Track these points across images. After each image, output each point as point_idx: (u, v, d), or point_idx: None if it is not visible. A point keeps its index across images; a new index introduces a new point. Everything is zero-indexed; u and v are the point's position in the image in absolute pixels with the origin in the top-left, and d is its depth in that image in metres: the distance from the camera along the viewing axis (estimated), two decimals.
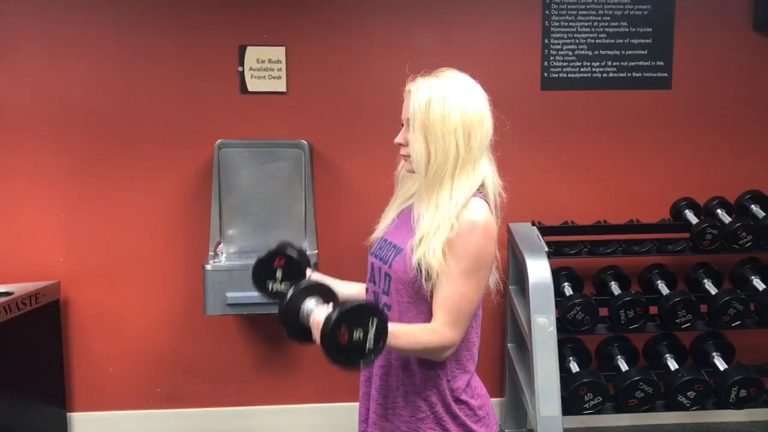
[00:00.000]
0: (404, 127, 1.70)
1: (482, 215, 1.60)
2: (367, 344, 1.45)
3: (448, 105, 1.61)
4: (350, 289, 1.86)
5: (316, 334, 1.49)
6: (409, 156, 1.67)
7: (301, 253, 1.85)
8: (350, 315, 1.44)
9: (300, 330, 1.58)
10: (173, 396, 3.59)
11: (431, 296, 1.62)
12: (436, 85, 1.64)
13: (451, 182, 1.62)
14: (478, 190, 1.65)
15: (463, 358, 1.70)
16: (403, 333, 1.57)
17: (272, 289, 1.81)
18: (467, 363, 1.71)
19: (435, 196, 1.62)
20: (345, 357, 1.45)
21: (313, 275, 1.84)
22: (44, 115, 3.41)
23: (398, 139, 1.71)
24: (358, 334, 1.44)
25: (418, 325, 1.62)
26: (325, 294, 1.62)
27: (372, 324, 1.45)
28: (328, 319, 1.43)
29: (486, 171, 1.67)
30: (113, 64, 3.42)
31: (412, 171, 1.69)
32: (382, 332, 1.47)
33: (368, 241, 1.84)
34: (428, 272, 1.59)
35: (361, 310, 1.46)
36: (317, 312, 1.52)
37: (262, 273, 1.81)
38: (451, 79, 1.66)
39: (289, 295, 1.58)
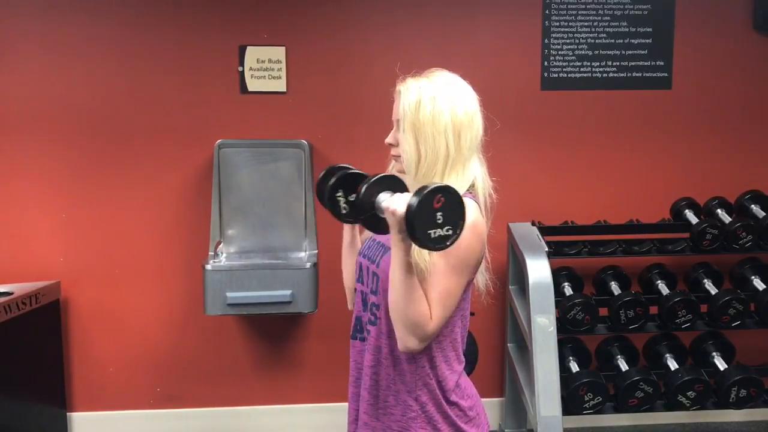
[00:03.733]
0: (395, 127, 1.69)
1: (470, 214, 1.60)
2: (445, 229, 1.42)
3: (438, 105, 1.61)
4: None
5: (399, 206, 1.45)
6: (399, 156, 1.67)
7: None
8: (454, 199, 1.43)
9: (375, 218, 1.56)
10: (173, 396, 3.59)
11: None
12: (425, 85, 1.64)
13: (440, 181, 1.61)
14: (468, 190, 1.64)
15: (451, 358, 1.69)
16: (416, 283, 1.54)
17: (337, 197, 1.75)
18: (454, 363, 1.70)
19: None
20: (423, 220, 1.41)
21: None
22: (44, 115, 3.41)
23: (389, 140, 1.71)
24: (444, 216, 1.42)
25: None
26: (401, 188, 1.57)
27: (459, 226, 1.44)
28: (434, 184, 1.42)
29: (476, 171, 1.67)
30: (113, 64, 3.42)
31: (402, 171, 1.69)
32: (451, 237, 1.44)
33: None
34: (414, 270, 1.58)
35: (461, 207, 1.44)
36: (399, 195, 1.50)
37: (347, 182, 1.73)
38: (441, 79, 1.66)
39: (363, 189, 1.54)
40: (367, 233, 1.80)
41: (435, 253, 1.56)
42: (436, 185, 1.42)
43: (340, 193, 1.75)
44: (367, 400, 1.71)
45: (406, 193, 1.50)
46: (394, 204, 1.46)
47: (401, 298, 1.53)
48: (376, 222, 1.58)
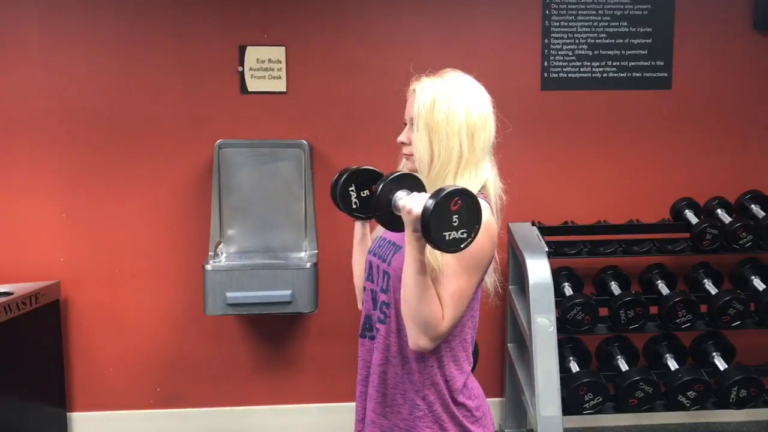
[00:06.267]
0: (407, 126, 1.70)
1: (483, 215, 1.60)
2: (461, 231, 1.42)
3: (453, 106, 1.62)
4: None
5: (414, 204, 1.45)
6: (412, 155, 1.68)
7: None
8: (471, 201, 1.43)
9: (392, 216, 1.56)
10: (173, 396, 3.59)
11: None
12: (441, 85, 1.65)
13: (453, 182, 1.62)
14: (479, 191, 1.65)
15: (460, 359, 1.70)
16: (429, 283, 1.53)
17: (350, 191, 1.77)
18: (463, 363, 1.71)
19: None
20: (439, 222, 1.41)
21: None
22: (44, 115, 3.41)
23: (401, 138, 1.71)
24: (460, 218, 1.42)
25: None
26: (417, 186, 1.58)
27: (475, 230, 1.44)
28: (453, 185, 1.42)
29: (488, 173, 1.68)
30: (113, 64, 3.42)
31: (414, 170, 1.69)
32: (466, 240, 1.44)
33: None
34: None
35: (478, 209, 1.44)
36: (416, 194, 1.51)
37: (359, 179, 1.76)
38: (456, 79, 1.67)
39: (380, 186, 1.55)
40: (378, 231, 1.80)
41: (447, 254, 1.57)
42: (454, 188, 1.42)
43: (352, 188, 1.77)
44: (374, 398, 1.72)
45: (423, 193, 1.50)
46: (411, 203, 1.46)
47: (414, 297, 1.53)
48: (391, 219, 1.58)
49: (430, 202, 1.40)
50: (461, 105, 1.62)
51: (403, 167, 1.78)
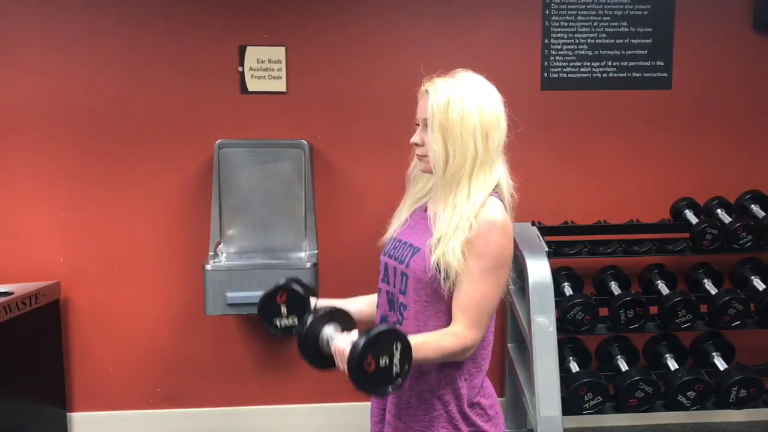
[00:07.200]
0: (420, 127, 1.70)
1: (500, 214, 1.62)
2: (394, 369, 1.45)
3: (467, 106, 1.62)
4: (360, 304, 1.85)
5: (342, 364, 1.49)
6: (425, 156, 1.68)
7: (303, 284, 1.82)
8: (374, 343, 1.44)
9: (320, 357, 1.60)
10: (173, 396, 3.59)
11: (449, 296, 1.62)
12: (453, 85, 1.65)
13: (469, 182, 1.62)
14: (494, 190, 1.66)
15: (480, 357, 1.70)
16: (425, 344, 1.56)
17: (281, 325, 1.78)
18: (483, 362, 1.71)
19: (452, 196, 1.62)
20: (373, 385, 1.45)
21: (318, 302, 1.81)
22: (44, 114, 3.41)
23: (414, 140, 1.71)
24: (384, 361, 1.44)
25: (437, 332, 1.61)
26: (343, 320, 1.62)
27: (396, 348, 1.45)
28: (353, 349, 1.43)
29: (500, 172, 1.69)
30: (113, 64, 3.42)
31: (427, 171, 1.70)
32: (407, 354, 1.47)
33: (380, 242, 1.83)
34: (447, 272, 1.58)
35: (384, 336, 1.45)
36: (339, 340, 1.53)
37: (267, 312, 1.78)
38: (468, 79, 1.67)
39: (307, 323, 1.58)
40: (389, 234, 1.80)
41: (469, 258, 1.58)
42: (358, 349, 1.42)
43: (276, 321, 1.77)
44: (391, 400, 1.72)
45: (344, 350, 1.49)
46: (339, 365, 1.51)
47: (429, 361, 1.61)
48: (324, 360, 1.60)
49: (350, 377, 1.43)
50: (474, 105, 1.62)
51: (414, 167, 1.78)
